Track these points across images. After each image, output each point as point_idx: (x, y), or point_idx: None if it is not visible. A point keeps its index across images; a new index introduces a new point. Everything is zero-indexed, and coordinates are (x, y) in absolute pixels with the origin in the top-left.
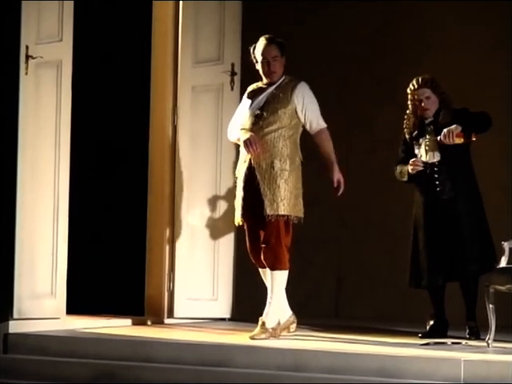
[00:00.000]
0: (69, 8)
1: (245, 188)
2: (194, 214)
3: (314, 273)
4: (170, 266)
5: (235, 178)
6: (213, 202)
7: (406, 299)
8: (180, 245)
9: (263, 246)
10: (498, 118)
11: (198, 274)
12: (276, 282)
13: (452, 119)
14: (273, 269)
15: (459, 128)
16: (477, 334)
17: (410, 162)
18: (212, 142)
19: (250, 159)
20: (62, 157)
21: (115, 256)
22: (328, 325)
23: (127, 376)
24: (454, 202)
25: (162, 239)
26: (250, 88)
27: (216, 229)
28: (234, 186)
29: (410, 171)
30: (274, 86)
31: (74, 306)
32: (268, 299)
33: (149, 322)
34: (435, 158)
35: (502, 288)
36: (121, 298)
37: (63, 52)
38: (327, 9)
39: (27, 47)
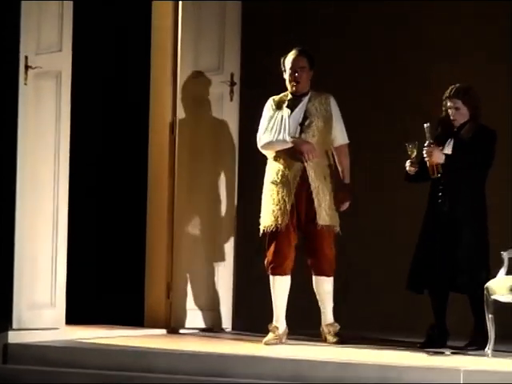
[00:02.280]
0: (68, 18)
1: (296, 195)
2: (194, 224)
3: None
4: (169, 276)
5: (275, 182)
6: (212, 211)
7: (407, 309)
8: (179, 255)
9: (316, 254)
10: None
11: (197, 284)
12: (332, 287)
13: (474, 136)
14: (329, 275)
15: (441, 160)
16: (476, 345)
17: (407, 163)
18: (211, 151)
19: (304, 168)
20: (62, 167)
21: (115, 266)
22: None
23: None
24: (454, 213)
25: (161, 249)
26: (276, 99)
27: (216, 239)
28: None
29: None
30: (307, 98)
31: (74, 316)
32: (327, 304)
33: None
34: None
35: (502, 298)
36: (120, 308)
37: (63, 62)
38: (328, 19)
39: (26, 57)
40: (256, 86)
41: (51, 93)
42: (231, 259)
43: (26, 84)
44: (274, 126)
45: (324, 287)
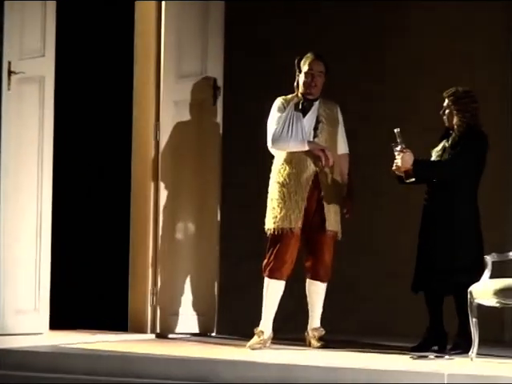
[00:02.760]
0: (51, 24)
1: (307, 199)
2: (178, 229)
3: (300, 287)
4: (153, 281)
5: (286, 184)
6: (196, 216)
7: (391, 313)
8: (164, 260)
9: (316, 259)
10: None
11: (181, 289)
12: (324, 292)
13: (460, 140)
14: (324, 281)
15: (408, 165)
16: (459, 349)
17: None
18: (195, 156)
19: (317, 172)
20: (45, 172)
21: (99, 271)
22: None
23: None
24: (439, 216)
25: (145, 254)
26: (286, 99)
27: (200, 243)
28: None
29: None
30: (317, 103)
31: (58, 322)
32: (316, 309)
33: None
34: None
35: (485, 302)
36: (104, 313)
37: (46, 67)
38: (309, 24)
39: (10, 63)
40: (239, 90)
41: (34, 98)
42: (215, 264)
43: (9, 90)
44: (290, 127)
45: (317, 292)
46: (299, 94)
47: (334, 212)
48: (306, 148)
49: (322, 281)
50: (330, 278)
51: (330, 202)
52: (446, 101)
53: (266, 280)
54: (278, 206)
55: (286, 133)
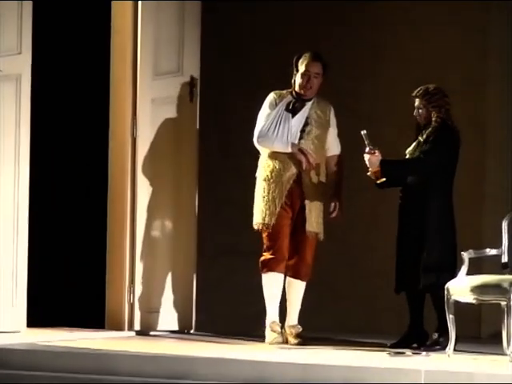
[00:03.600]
0: (28, 21)
1: (290, 197)
2: (155, 226)
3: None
4: (130, 279)
5: (268, 179)
6: (174, 213)
7: (367, 310)
8: (140, 257)
9: (297, 257)
10: None
11: (159, 286)
12: (302, 291)
13: (432, 135)
14: (304, 280)
15: (374, 166)
16: (437, 346)
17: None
18: (172, 153)
19: (299, 173)
20: (22, 170)
21: (76, 268)
22: None
23: None
24: (414, 216)
25: (122, 251)
26: (279, 96)
27: (177, 241)
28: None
29: None
30: (310, 103)
31: (35, 319)
32: (294, 307)
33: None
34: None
35: (462, 298)
36: (81, 311)
37: (22, 65)
38: (288, 22)
39: None
40: (216, 88)
41: (11, 96)
42: (193, 261)
43: None
44: (277, 126)
45: (296, 290)
46: (293, 92)
47: (316, 213)
48: (289, 150)
49: (302, 279)
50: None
51: (312, 204)
52: (418, 100)
53: (267, 275)
54: (261, 201)
55: (272, 132)
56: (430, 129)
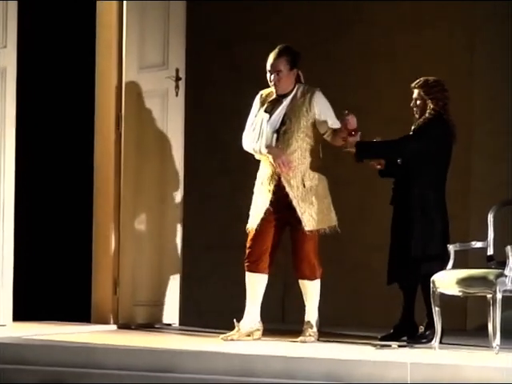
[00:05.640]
0: (13, 15)
1: (273, 203)
2: (140, 220)
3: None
4: (116, 272)
5: (258, 185)
6: (159, 207)
7: (353, 304)
8: (126, 250)
9: (300, 259)
10: None
11: (144, 280)
12: (314, 290)
13: (423, 126)
14: (311, 279)
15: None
16: (425, 339)
17: None
18: (158, 147)
19: (279, 176)
20: (7, 164)
21: (61, 262)
22: (275, 329)
23: (76, 383)
24: (401, 207)
25: (107, 245)
26: (263, 96)
27: (162, 234)
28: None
29: None
30: (289, 98)
31: (20, 313)
32: (308, 305)
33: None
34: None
35: (447, 291)
36: (67, 305)
37: (8, 59)
38: (272, 15)
39: None
40: (201, 81)
41: None
42: (178, 255)
43: None
44: (255, 130)
45: (307, 290)
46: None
47: (315, 211)
48: (266, 154)
49: (309, 279)
50: (320, 274)
51: (302, 204)
52: (416, 91)
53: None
54: (252, 205)
55: (251, 136)
56: (423, 119)
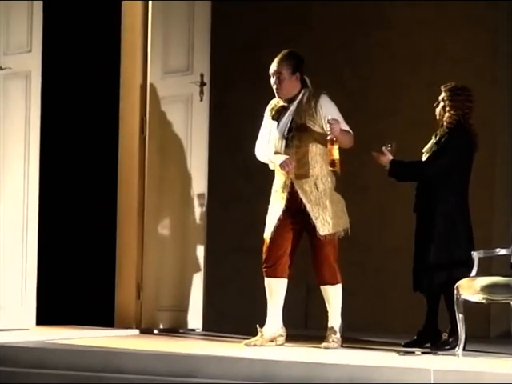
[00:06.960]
0: (38, 18)
1: (288, 209)
2: (164, 224)
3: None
4: (139, 277)
5: (274, 192)
6: (182, 212)
7: (375, 310)
8: (149, 255)
9: (320, 263)
10: None
11: (167, 284)
12: (336, 295)
13: (445, 136)
14: (332, 284)
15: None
16: (449, 346)
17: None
18: (181, 152)
19: (292, 183)
20: (32, 169)
21: (85, 267)
22: (298, 335)
23: None
24: (424, 215)
25: (131, 250)
26: (271, 105)
27: (186, 238)
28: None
29: None
30: (295, 104)
31: (44, 317)
32: (331, 310)
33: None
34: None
35: (471, 298)
36: (91, 309)
37: (32, 63)
38: (296, 20)
39: None
40: (225, 85)
41: (21, 93)
42: (201, 259)
43: None
44: (265, 138)
45: (328, 295)
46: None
47: (329, 215)
48: (273, 161)
49: (330, 284)
50: (341, 278)
51: (316, 209)
52: (443, 94)
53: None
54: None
55: (262, 145)
56: (443, 128)
